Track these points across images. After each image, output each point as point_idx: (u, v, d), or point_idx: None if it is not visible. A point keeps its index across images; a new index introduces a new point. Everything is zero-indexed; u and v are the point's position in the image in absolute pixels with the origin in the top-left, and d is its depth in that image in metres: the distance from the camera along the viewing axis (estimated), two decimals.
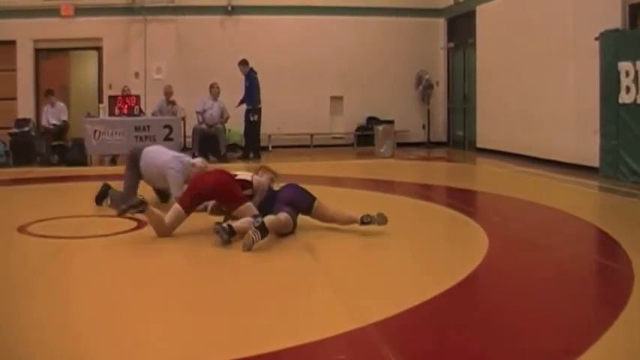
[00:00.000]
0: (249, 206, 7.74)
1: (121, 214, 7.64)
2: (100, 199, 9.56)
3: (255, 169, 8.53)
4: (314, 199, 7.94)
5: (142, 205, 7.44)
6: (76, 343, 4.48)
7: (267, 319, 4.96)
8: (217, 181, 7.86)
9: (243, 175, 8.21)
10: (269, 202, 7.93)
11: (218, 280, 6.24)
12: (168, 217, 7.76)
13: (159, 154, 9.39)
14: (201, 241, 7.35)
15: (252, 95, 17.27)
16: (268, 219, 7.20)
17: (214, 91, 17.46)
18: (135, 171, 9.39)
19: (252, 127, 17.51)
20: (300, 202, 7.90)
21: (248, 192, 8.02)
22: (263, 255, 6.85)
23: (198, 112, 17.30)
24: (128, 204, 7.53)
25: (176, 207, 7.75)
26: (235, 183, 7.92)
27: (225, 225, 7.21)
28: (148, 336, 4.64)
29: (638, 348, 4.40)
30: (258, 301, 5.48)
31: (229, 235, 7.10)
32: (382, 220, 7.76)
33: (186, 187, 8.40)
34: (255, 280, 6.19)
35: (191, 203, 7.76)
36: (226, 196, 7.81)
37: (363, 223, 7.71)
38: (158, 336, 4.63)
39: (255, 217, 7.42)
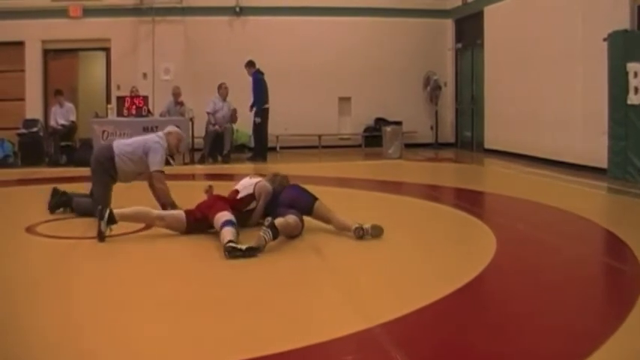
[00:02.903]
0: (224, 214, 7.41)
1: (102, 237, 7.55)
2: (55, 207, 9.17)
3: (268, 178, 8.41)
4: (315, 199, 7.91)
5: (104, 212, 7.47)
6: (81, 342, 4.48)
7: (274, 320, 4.97)
8: (209, 205, 7.78)
9: (245, 190, 8.08)
10: (271, 204, 7.96)
11: (225, 281, 6.23)
12: (166, 211, 8.00)
13: (133, 140, 9.22)
14: (208, 242, 7.35)
15: (256, 97, 17.29)
16: (278, 221, 7.19)
17: (223, 91, 17.43)
18: (108, 176, 8.84)
19: (257, 128, 17.55)
20: (302, 202, 7.87)
21: (252, 205, 8.00)
22: (270, 255, 6.85)
23: (209, 113, 17.29)
24: (99, 222, 7.50)
25: (180, 212, 7.85)
26: (220, 203, 7.72)
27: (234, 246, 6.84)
28: (156, 336, 4.63)
29: None
30: (266, 301, 5.49)
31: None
32: (377, 232, 7.56)
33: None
34: (262, 280, 6.19)
35: (194, 221, 7.75)
36: (211, 213, 7.56)
37: (355, 235, 7.51)
38: (165, 336, 4.63)
39: (225, 223, 7.21)
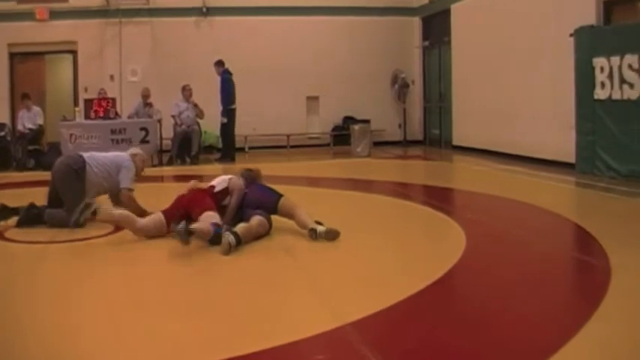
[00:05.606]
0: (212, 215, 7.50)
1: (78, 225, 7.69)
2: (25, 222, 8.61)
3: (238, 173, 8.39)
4: (279, 196, 7.87)
5: (91, 206, 7.58)
6: (61, 344, 4.46)
7: (245, 320, 4.96)
8: (191, 199, 7.80)
9: (220, 185, 8.04)
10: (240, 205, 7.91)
11: (195, 282, 6.22)
12: (147, 218, 7.80)
13: (105, 154, 9.09)
14: (178, 244, 7.33)
15: (224, 96, 17.27)
16: (239, 227, 7.19)
17: (186, 93, 17.44)
18: (81, 183, 8.56)
19: (223, 128, 17.57)
20: (266, 202, 7.83)
21: (227, 201, 7.92)
22: (241, 256, 6.84)
23: (173, 116, 17.25)
24: (78, 211, 7.61)
25: (158, 214, 7.76)
26: (207, 199, 7.80)
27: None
28: (127, 338, 4.61)
29: (614, 342, 4.42)
30: (236, 302, 5.48)
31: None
32: (330, 236, 7.38)
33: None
34: (232, 280, 6.18)
35: (172, 215, 7.68)
36: (196, 209, 7.62)
37: (309, 236, 7.44)
38: (137, 338, 4.61)
39: (214, 224, 7.26)
